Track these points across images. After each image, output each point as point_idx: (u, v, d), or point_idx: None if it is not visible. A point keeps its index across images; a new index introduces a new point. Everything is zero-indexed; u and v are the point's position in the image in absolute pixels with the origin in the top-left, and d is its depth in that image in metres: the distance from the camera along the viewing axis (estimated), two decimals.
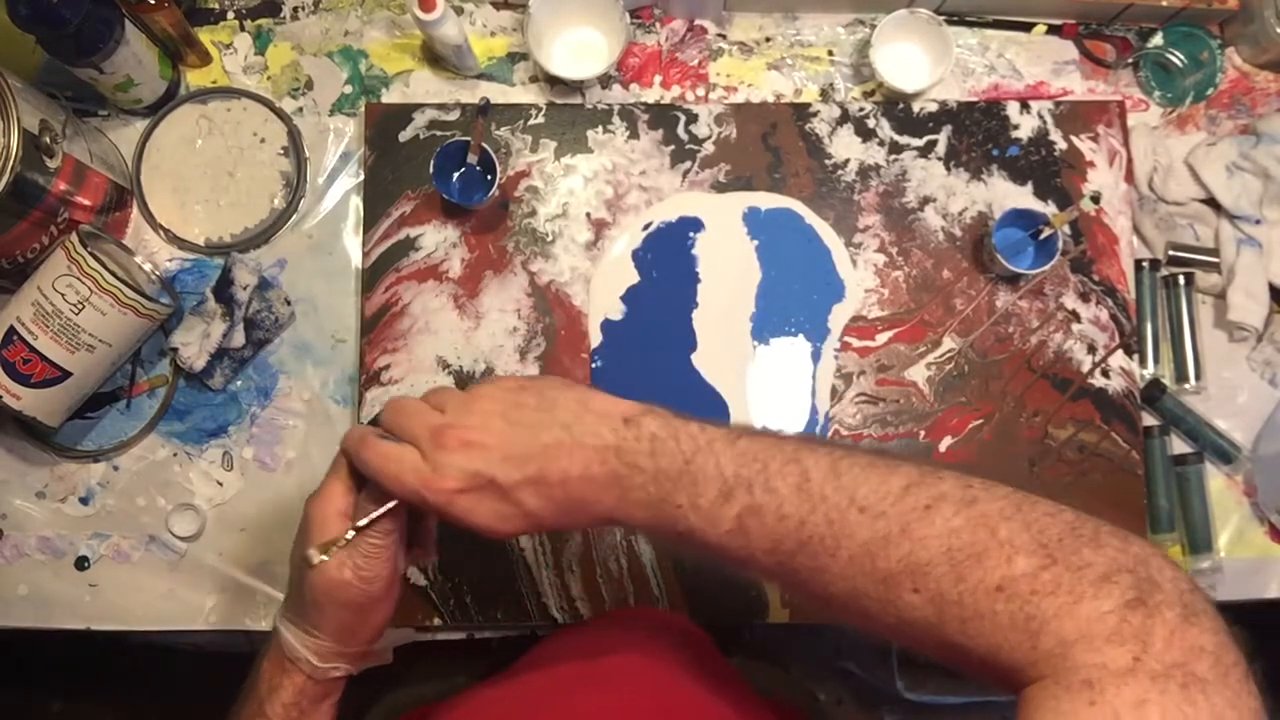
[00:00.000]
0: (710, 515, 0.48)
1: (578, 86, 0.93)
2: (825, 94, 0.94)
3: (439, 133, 0.91)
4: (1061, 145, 0.90)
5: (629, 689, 0.63)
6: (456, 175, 0.87)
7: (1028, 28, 0.95)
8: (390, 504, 0.54)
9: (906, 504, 0.45)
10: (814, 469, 0.47)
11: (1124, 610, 0.39)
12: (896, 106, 0.92)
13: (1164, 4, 0.91)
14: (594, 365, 0.88)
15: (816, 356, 0.88)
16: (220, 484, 0.89)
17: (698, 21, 0.95)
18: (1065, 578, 0.40)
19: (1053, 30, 0.95)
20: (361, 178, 0.91)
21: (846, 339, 0.88)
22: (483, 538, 0.52)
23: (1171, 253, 0.89)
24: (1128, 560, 0.41)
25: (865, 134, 0.91)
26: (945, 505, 0.44)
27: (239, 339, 0.86)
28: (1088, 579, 0.40)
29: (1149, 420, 0.89)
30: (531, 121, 0.91)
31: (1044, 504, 0.44)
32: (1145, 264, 0.90)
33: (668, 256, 0.89)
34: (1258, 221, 0.88)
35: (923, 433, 0.87)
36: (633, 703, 0.61)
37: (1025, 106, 0.91)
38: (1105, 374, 0.87)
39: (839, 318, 0.89)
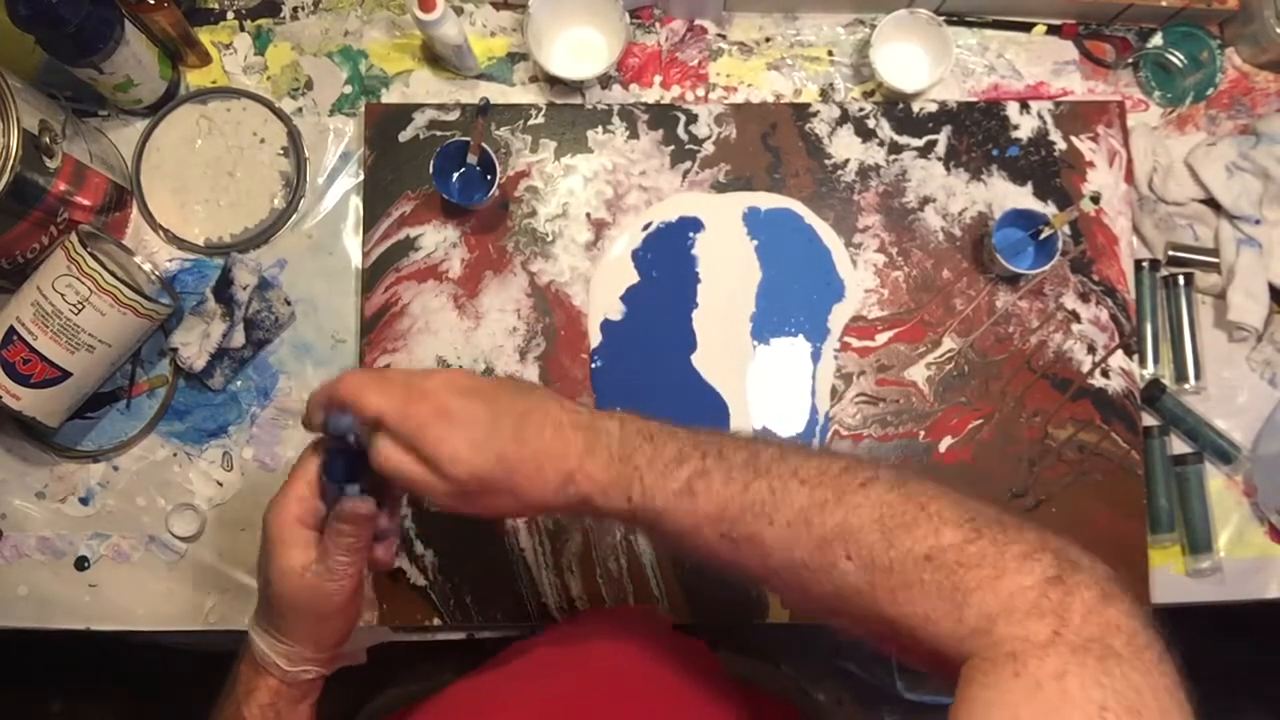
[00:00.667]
0: (663, 474, 0.51)
1: (578, 86, 0.93)
2: (825, 94, 0.94)
3: (439, 133, 0.91)
4: (1061, 145, 0.90)
5: (608, 676, 0.64)
6: (456, 175, 0.87)
7: (1028, 28, 0.95)
8: (357, 496, 0.55)
9: (844, 480, 0.48)
10: (763, 450, 0.51)
11: (1044, 586, 0.41)
12: (896, 106, 0.92)
13: (1164, 4, 0.91)
14: (594, 365, 0.88)
15: (816, 356, 0.88)
16: (220, 484, 0.89)
17: (698, 21, 0.95)
18: (990, 552, 0.43)
19: (1052, 30, 0.95)
20: (361, 178, 0.91)
21: (846, 339, 0.88)
22: (450, 500, 0.53)
23: (1171, 253, 0.89)
24: (1050, 543, 0.44)
25: (865, 134, 0.91)
26: (879, 484, 0.47)
27: (239, 339, 0.86)
28: (1011, 555, 0.42)
29: (1149, 420, 0.89)
30: (531, 121, 0.91)
31: (972, 497, 0.47)
32: (1145, 264, 0.90)
33: (668, 256, 0.89)
34: (1257, 221, 0.88)
35: (923, 433, 0.87)
36: (611, 687, 0.62)
37: (1025, 107, 0.91)
38: (1105, 374, 0.87)
39: (839, 318, 0.89)
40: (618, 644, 0.67)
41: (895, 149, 0.91)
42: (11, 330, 0.80)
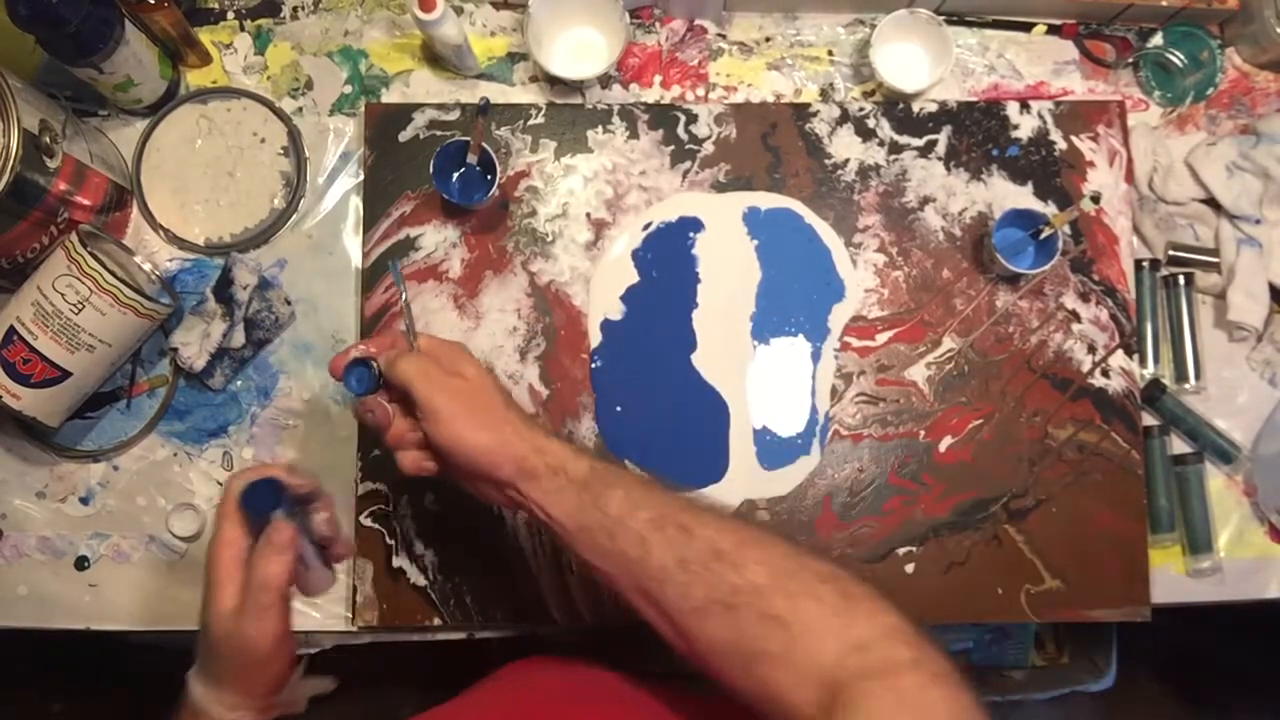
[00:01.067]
0: (615, 472, 0.60)
1: (578, 86, 0.93)
2: (825, 94, 0.94)
3: (439, 133, 0.91)
4: (1061, 145, 0.91)
5: (549, 689, 0.67)
6: (456, 175, 0.87)
7: (1028, 28, 0.95)
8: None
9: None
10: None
11: (909, 627, 0.51)
12: (896, 106, 0.92)
13: (1164, 4, 0.91)
14: (594, 365, 0.88)
15: (816, 356, 0.88)
16: (220, 484, 0.89)
17: (698, 21, 0.95)
18: (873, 592, 0.53)
19: (1053, 30, 0.95)
20: (361, 178, 0.92)
21: (846, 339, 0.88)
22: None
23: (1171, 253, 0.89)
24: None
25: (865, 134, 0.91)
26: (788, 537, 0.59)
27: (239, 339, 0.86)
28: (884, 600, 0.52)
29: (1149, 420, 0.89)
30: (531, 121, 0.91)
31: None
32: (1145, 264, 0.90)
33: (668, 256, 0.89)
34: (1258, 221, 0.88)
35: (923, 433, 0.87)
36: (552, 693, 0.66)
37: (1025, 106, 0.91)
38: (1105, 374, 0.87)
39: (839, 318, 0.89)
40: (559, 666, 0.71)
41: (895, 149, 0.91)
42: (11, 330, 0.80)
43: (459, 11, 0.95)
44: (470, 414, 0.61)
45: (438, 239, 0.89)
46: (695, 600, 0.54)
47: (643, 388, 0.87)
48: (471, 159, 0.85)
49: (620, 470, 0.61)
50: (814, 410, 0.88)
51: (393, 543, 0.85)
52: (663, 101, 0.93)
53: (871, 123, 0.91)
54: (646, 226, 0.90)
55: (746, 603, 0.52)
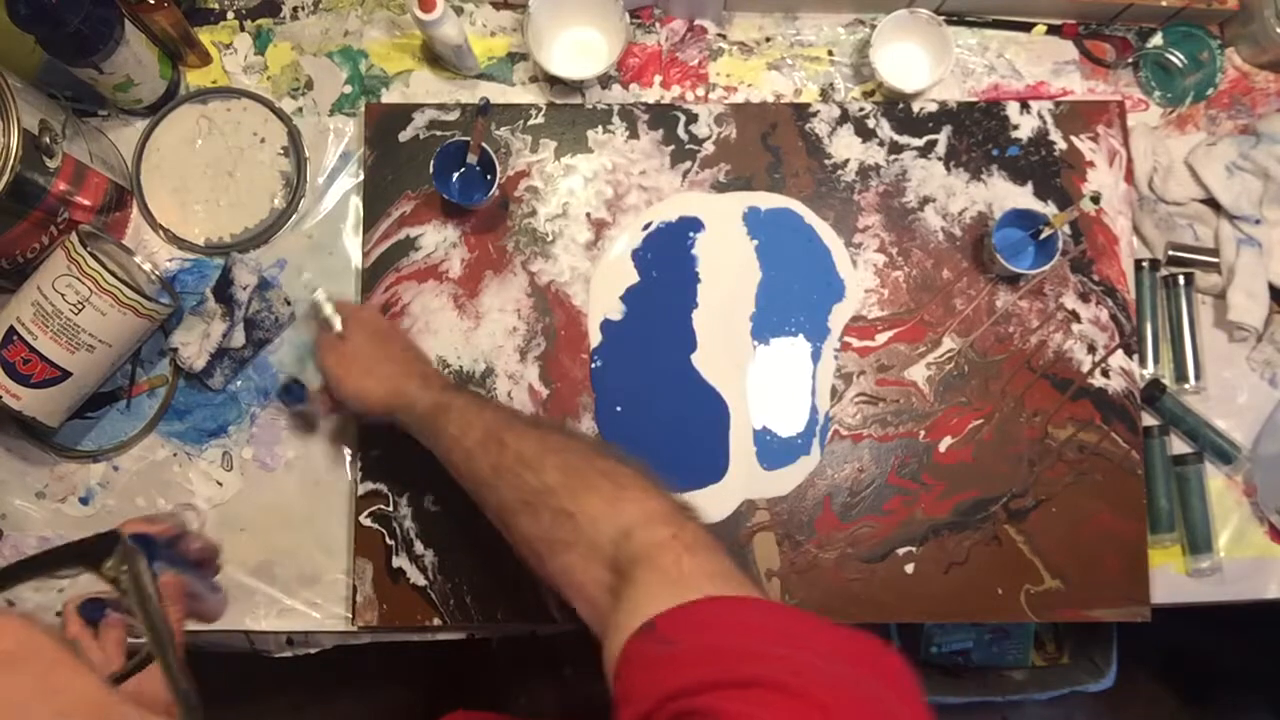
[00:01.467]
0: (458, 400, 0.70)
1: (578, 86, 0.93)
2: (825, 94, 0.94)
3: (439, 133, 0.91)
4: (1061, 145, 0.90)
5: None
6: (456, 175, 0.87)
7: (1028, 28, 0.95)
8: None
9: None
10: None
11: (668, 506, 0.57)
12: (896, 106, 0.92)
13: (1164, 4, 0.91)
14: (594, 365, 0.88)
15: (816, 356, 0.88)
16: (220, 484, 0.89)
17: (698, 21, 0.95)
18: (643, 480, 0.60)
19: (1053, 30, 0.95)
20: (361, 178, 0.92)
21: (846, 339, 0.88)
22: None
23: (1171, 253, 0.89)
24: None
25: (865, 134, 0.91)
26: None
27: (239, 339, 0.86)
28: (655, 490, 0.59)
29: (1149, 420, 0.89)
30: (531, 121, 0.91)
31: None
32: (1145, 264, 0.90)
33: (668, 256, 0.89)
34: (1257, 221, 0.88)
35: (923, 433, 0.87)
36: None
37: (1025, 106, 0.91)
38: (1105, 374, 0.87)
39: (839, 318, 0.89)
40: None
41: (895, 149, 0.91)
42: (12, 330, 0.80)
43: (459, 11, 0.95)
44: (361, 371, 0.75)
45: (438, 239, 0.89)
46: (508, 502, 0.62)
47: (643, 388, 0.87)
48: (471, 159, 0.85)
49: (462, 397, 0.71)
50: (814, 410, 0.88)
51: (393, 543, 0.86)
52: (663, 101, 0.93)
53: (871, 123, 0.91)
54: (646, 226, 0.90)
55: (544, 501, 0.60)
